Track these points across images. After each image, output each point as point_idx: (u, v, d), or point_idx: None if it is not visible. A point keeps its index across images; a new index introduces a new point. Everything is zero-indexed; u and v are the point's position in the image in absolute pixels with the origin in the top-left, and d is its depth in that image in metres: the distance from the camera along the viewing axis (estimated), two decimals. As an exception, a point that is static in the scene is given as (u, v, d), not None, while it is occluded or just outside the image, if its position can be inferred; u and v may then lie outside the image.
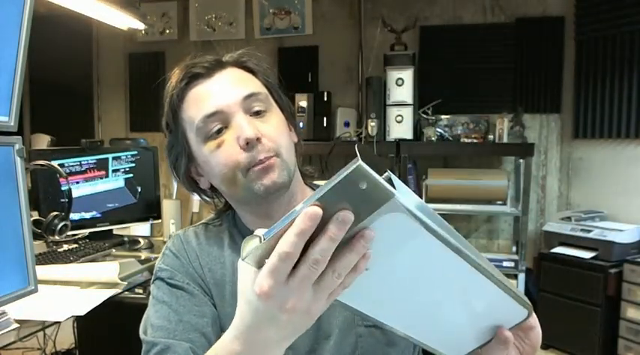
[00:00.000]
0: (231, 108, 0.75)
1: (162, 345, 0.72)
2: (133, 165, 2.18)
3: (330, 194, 0.37)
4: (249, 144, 0.73)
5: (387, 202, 0.38)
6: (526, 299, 0.56)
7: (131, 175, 2.17)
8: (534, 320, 0.59)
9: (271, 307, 0.44)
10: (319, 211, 0.38)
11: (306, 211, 0.38)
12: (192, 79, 0.79)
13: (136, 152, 2.19)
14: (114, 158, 2.12)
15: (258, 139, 0.74)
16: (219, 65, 0.80)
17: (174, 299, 0.77)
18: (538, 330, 0.60)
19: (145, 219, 2.26)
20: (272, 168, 0.75)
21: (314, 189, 0.89)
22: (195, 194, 0.88)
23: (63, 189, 1.58)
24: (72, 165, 2.00)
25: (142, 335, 0.76)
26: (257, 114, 0.77)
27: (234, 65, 0.82)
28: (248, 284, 0.45)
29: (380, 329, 0.79)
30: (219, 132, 0.76)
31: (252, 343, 0.49)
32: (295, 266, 0.41)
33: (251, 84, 0.80)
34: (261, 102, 0.78)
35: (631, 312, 2.49)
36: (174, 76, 0.81)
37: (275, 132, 0.77)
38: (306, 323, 0.46)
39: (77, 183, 2.00)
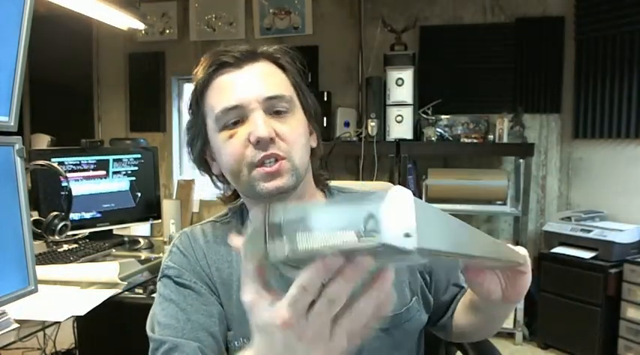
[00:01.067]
0: (251, 104, 0.75)
1: (170, 344, 0.72)
2: (136, 168, 2.17)
3: (352, 251, 0.36)
4: (259, 143, 0.73)
5: (407, 256, 0.36)
6: (518, 254, 0.58)
7: (133, 178, 2.17)
8: (526, 267, 0.61)
9: (289, 336, 0.42)
10: (337, 264, 0.37)
11: (326, 261, 0.37)
12: (220, 66, 0.78)
13: (139, 155, 2.19)
14: (115, 160, 2.11)
15: (271, 139, 0.74)
16: (251, 57, 0.79)
17: (181, 298, 0.77)
18: (527, 278, 0.61)
19: (144, 219, 2.25)
20: (279, 174, 0.74)
21: (325, 195, 0.89)
22: (207, 176, 0.88)
23: (63, 185, 1.58)
24: (72, 165, 2.00)
25: (149, 333, 0.76)
26: (277, 113, 0.77)
27: (267, 59, 0.81)
28: (261, 313, 0.43)
29: (386, 331, 0.79)
30: (236, 124, 0.76)
31: None
32: (314, 301, 0.41)
33: (278, 83, 0.79)
34: (284, 103, 0.77)
35: (631, 312, 2.48)
36: (205, 60, 0.80)
37: (291, 134, 0.76)
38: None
39: (77, 181, 1.99)
